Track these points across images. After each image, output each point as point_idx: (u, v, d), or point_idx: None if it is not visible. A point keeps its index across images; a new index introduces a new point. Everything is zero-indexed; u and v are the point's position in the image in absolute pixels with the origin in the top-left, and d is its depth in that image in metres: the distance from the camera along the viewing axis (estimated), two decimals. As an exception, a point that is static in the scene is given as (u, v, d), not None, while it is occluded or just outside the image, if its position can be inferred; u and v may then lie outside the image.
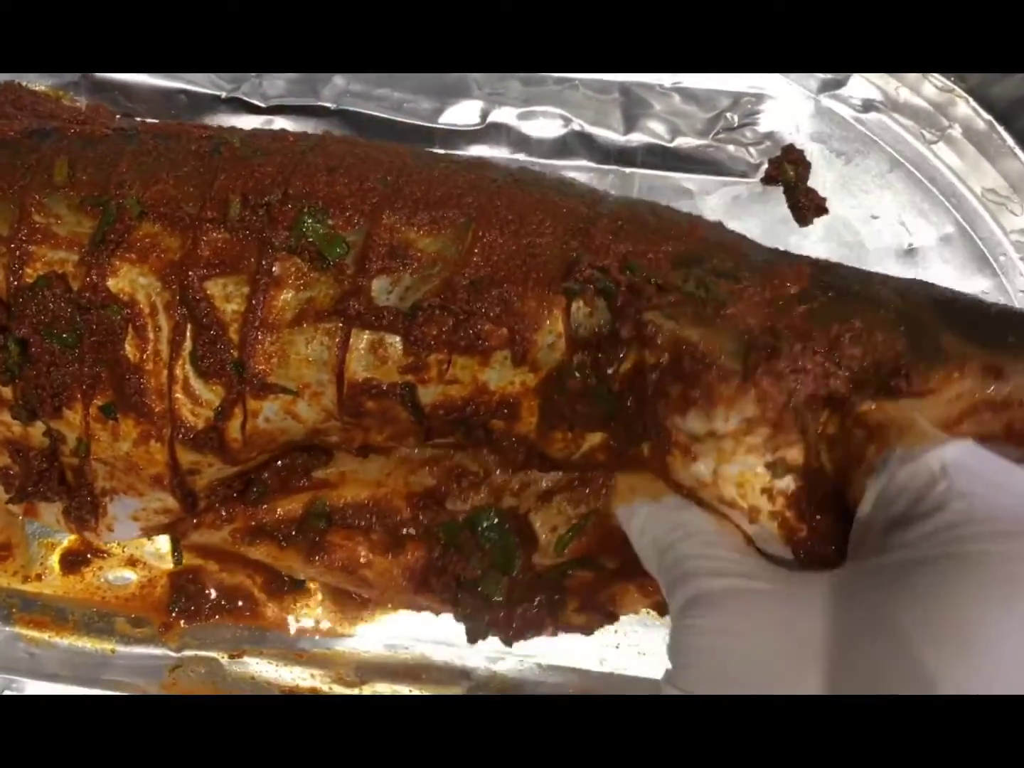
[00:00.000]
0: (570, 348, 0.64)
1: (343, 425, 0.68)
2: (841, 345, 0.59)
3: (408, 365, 0.65)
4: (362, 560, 0.72)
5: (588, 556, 0.70)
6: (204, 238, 0.65)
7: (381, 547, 0.71)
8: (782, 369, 0.59)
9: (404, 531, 0.72)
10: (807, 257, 0.68)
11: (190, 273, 0.65)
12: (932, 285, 0.66)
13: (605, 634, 0.77)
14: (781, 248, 0.69)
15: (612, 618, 0.70)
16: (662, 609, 0.71)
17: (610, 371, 0.64)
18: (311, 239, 0.64)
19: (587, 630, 0.70)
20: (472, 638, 0.71)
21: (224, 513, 0.75)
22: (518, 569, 0.69)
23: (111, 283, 0.66)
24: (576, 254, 0.64)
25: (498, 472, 0.71)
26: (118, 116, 0.81)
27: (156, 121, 0.77)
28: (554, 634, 0.70)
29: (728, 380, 0.60)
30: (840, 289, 0.63)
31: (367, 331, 0.64)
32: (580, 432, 0.66)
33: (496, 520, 0.70)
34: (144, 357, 0.66)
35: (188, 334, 0.66)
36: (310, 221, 0.65)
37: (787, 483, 0.60)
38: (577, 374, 0.64)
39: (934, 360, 0.60)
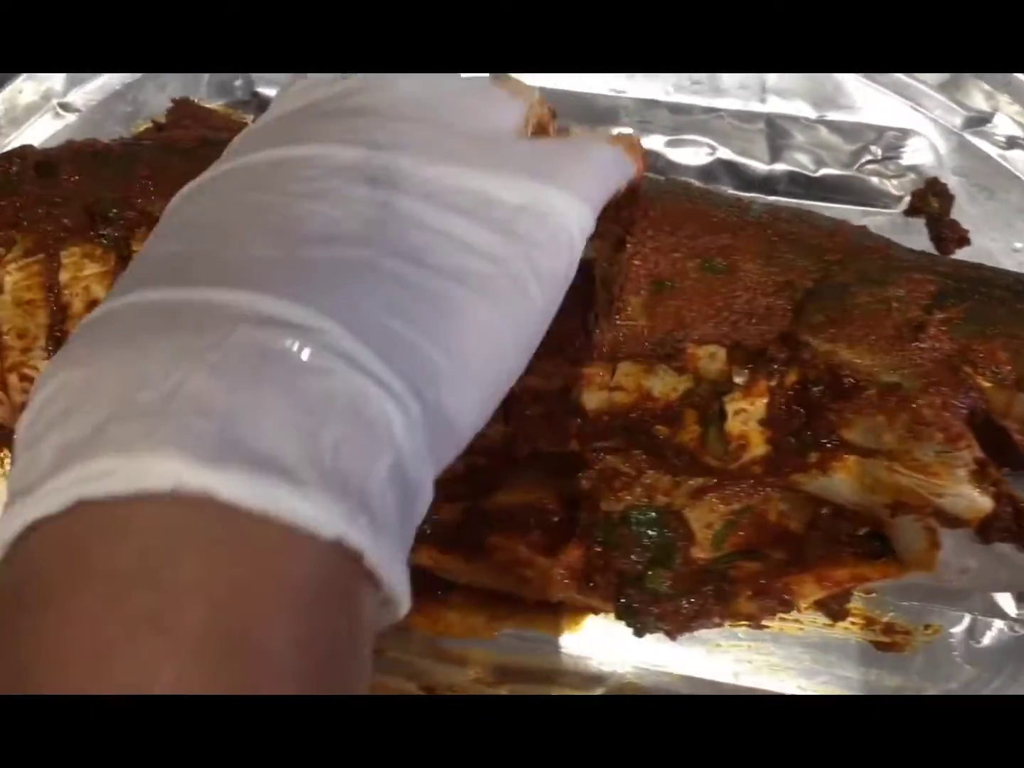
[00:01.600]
0: (731, 359, 0.67)
1: (504, 432, 0.71)
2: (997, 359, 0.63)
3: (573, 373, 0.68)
4: (522, 560, 0.73)
5: (750, 548, 0.72)
6: None
7: (540, 548, 0.73)
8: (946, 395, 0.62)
9: (561, 532, 0.73)
10: (946, 258, 0.71)
11: None
12: None
13: (739, 649, 0.78)
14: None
15: (788, 606, 0.70)
16: (833, 612, 0.73)
17: (772, 383, 0.66)
18: None
19: (757, 619, 0.71)
20: (639, 632, 0.72)
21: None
22: (679, 563, 0.71)
23: None
24: None
25: (650, 472, 0.73)
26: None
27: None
28: (720, 624, 0.71)
29: (890, 395, 0.63)
30: (982, 295, 0.67)
31: None
32: (743, 444, 0.68)
33: (652, 516, 0.72)
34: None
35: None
36: None
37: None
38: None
39: None
